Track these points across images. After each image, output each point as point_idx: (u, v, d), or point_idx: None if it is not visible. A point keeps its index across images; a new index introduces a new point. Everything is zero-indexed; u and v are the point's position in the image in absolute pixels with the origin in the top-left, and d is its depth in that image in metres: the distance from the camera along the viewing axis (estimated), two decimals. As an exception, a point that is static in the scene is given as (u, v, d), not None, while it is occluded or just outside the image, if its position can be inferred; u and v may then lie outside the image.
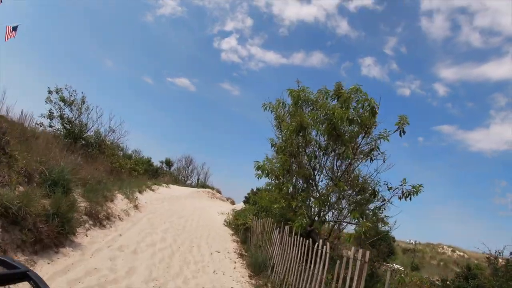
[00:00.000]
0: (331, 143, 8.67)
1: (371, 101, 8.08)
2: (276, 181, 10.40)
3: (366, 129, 8.49)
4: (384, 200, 8.99)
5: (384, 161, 8.86)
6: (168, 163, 39.15)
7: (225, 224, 17.16)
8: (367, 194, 8.93)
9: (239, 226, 14.22)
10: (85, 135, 20.56)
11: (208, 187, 37.10)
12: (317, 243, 6.42)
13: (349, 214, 8.87)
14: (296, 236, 7.59)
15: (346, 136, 8.39)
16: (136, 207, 13.59)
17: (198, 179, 40.48)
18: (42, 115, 19.14)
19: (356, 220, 8.50)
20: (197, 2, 50.08)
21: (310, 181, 9.35)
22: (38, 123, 19.40)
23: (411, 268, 29.88)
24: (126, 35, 56.14)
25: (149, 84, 52.92)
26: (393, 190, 8.88)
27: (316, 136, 9.19)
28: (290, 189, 9.67)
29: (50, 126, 19.45)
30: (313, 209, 9.03)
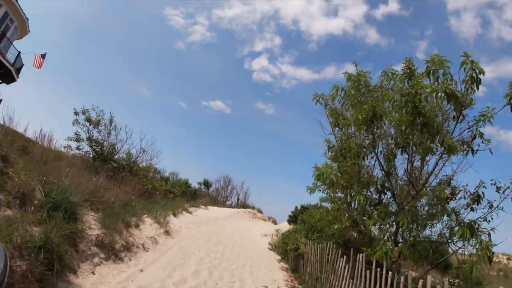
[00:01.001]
0: (413, 135, 6.18)
1: (475, 65, 5.59)
2: (337, 194, 8.04)
3: (462, 109, 5.94)
4: (491, 206, 6.28)
5: (491, 153, 6.16)
6: (207, 184, 37.41)
7: (270, 247, 14.71)
8: (468, 200, 6.27)
9: (289, 251, 11.74)
10: (115, 157, 19.10)
11: (248, 207, 34.83)
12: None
13: (447, 231, 6.24)
14: (378, 268, 5.14)
15: (436, 122, 5.87)
16: (167, 232, 11.51)
17: (237, 199, 38.40)
18: (68, 137, 17.89)
19: (464, 239, 5.83)
20: (225, 25, 49.76)
21: (385, 190, 6.84)
22: (65, 146, 18.32)
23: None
24: (159, 63, 56.81)
25: (185, 109, 52.68)
26: (503, 192, 6.20)
27: (388, 129, 6.79)
28: (355, 204, 7.20)
29: (78, 149, 18.12)
30: (392, 229, 6.45)
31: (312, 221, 13.15)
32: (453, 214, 6.06)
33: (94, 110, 18.17)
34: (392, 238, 5.65)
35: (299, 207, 24.16)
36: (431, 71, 5.79)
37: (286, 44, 51.97)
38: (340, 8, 49.50)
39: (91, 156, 18.15)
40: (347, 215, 8.18)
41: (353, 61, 7.23)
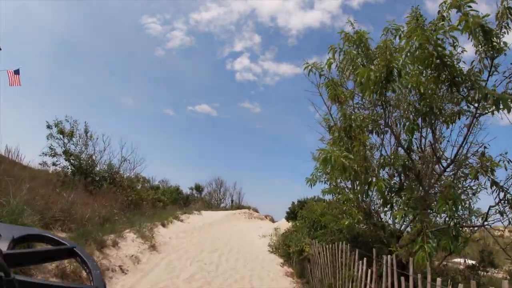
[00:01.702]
0: (437, 96, 4.76)
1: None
2: (341, 183, 6.65)
3: (495, 55, 4.52)
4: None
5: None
6: (198, 188, 35.72)
7: (271, 250, 13.25)
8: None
9: (292, 254, 10.31)
10: (96, 169, 17.46)
11: (243, 207, 33.33)
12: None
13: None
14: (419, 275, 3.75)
15: (469, 74, 4.44)
16: (153, 247, 10.00)
17: (232, 201, 36.74)
18: (43, 153, 16.23)
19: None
20: (203, 28, 48.25)
21: (407, 171, 5.42)
22: (41, 162, 16.68)
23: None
24: (141, 72, 54.96)
25: (171, 115, 50.97)
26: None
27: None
28: (371, 192, 5.78)
29: (54, 165, 16.44)
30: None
31: (313, 216, 11.76)
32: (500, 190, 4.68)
33: (68, 121, 16.56)
34: (430, 231, 4.25)
35: (296, 203, 22.77)
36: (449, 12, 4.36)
37: (266, 42, 50.80)
38: (316, 0, 48.35)
39: (70, 171, 16.54)
40: (357, 206, 6.79)
41: (347, 19, 5.83)
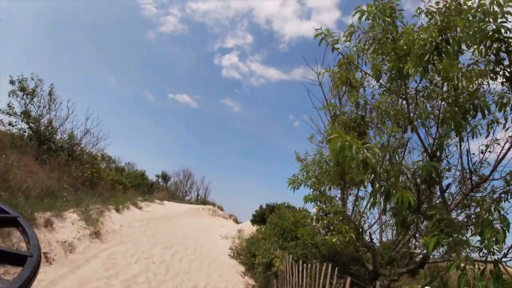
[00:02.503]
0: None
1: None
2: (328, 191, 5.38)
3: None
4: None
5: None
6: (165, 177, 33.82)
7: (232, 254, 11.81)
8: None
9: (257, 265, 8.91)
10: (57, 137, 15.58)
11: (208, 203, 31.73)
12: None
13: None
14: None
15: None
16: (96, 234, 8.38)
17: (197, 195, 34.97)
18: (0, 110, 14.27)
19: None
20: (197, 19, 46.63)
21: (433, 184, 4.10)
22: None
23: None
24: (128, 53, 52.56)
25: (150, 100, 48.93)
26: None
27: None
28: (390, 204, 4.46)
29: (11, 125, 14.50)
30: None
31: (285, 224, 10.45)
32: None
33: (33, 80, 14.66)
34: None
35: (264, 206, 21.45)
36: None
37: (258, 43, 49.76)
38: (313, 11, 47.76)
39: (27, 134, 14.63)
40: (346, 222, 5.54)
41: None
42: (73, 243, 7.03)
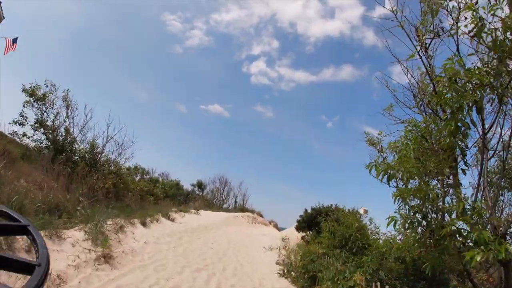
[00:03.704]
0: None
1: None
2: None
3: None
4: None
5: None
6: (200, 185, 31.91)
7: (281, 272, 9.35)
8: None
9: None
10: (80, 147, 13.97)
11: (247, 210, 29.47)
12: None
13: None
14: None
15: None
16: (105, 257, 6.27)
17: (235, 202, 32.74)
18: (13, 121, 12.87)
19: None
20: (222, 30, 45.73)
21: None
22: (11, 132, 13.36)
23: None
24: (157, 68, 52.81)
25: (183, 113, 48.42)
26: None
27: None
28: None
29: (25, 136, 13.05)
30: None
31: (347, 232, 7.97)
32: None
33: (47, 86, 13.13)
34: None
35: (309, 210, 18.82)
36: None
37: (284, 47, 48.08)
38: (337, 10, 45.47)
39: (44, 145, 13.14)
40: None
41: None
42: (66, 273, 4.93)
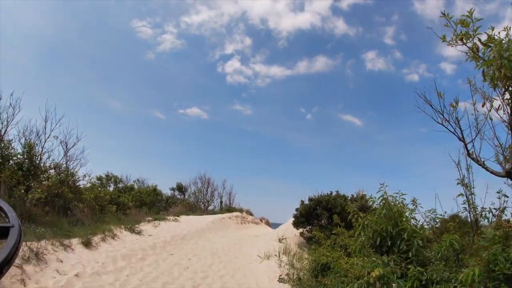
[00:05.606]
0: None
1: None
2: None
3: None
4: None
5: None
6: (181, 189, 28.27)
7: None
8: None
9: None
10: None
11: (235, 210, 26.09)
12: None
13: None
14: None
15: None
16: None
17: (221, 202, 29.21)
18: None
19: None
20: (193, 32, 42.79)
21: None
22: None
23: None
24: (131, 76, 49.13)
25: (161, 119, 45.12)
26: None
27: None
28: None
29: None
30: None
31: (383, 224, 4.79)
32: None
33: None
34: None
35: (306, 201, 15.65)
36: None
37: (257, 44, 45.80)
38: (306, 2, 43.60)
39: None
40: None
41: None
42: None
